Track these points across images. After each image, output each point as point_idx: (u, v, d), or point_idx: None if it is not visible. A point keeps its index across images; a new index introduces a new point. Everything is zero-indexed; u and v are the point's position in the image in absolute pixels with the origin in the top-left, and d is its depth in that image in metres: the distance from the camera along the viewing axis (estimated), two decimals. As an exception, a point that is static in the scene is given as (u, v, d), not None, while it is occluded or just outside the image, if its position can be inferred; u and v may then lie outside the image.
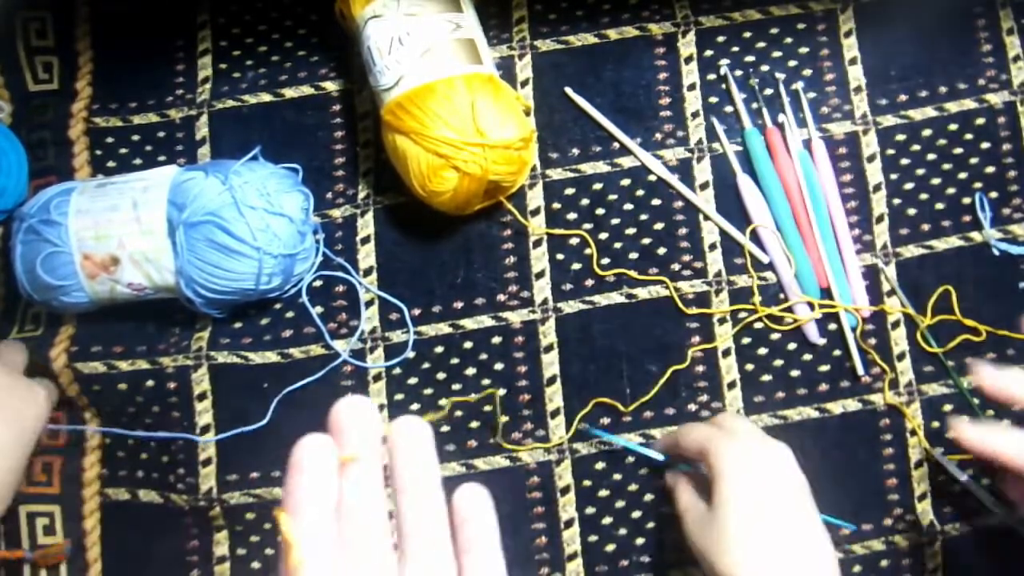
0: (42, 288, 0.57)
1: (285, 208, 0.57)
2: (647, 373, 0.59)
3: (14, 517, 0.60)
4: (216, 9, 0.66)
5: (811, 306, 0.59)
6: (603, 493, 0.58)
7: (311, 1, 0.65)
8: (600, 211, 0.61)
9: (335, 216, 0.62)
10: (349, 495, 0.29)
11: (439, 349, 0.60)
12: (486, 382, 0.59)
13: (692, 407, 0.58)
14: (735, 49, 0.63)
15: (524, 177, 0.61)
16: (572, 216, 0.61)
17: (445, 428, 0.59)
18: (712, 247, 0.60)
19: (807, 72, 0.62)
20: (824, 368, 0.59)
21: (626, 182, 0.61)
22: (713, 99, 0.62)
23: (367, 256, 0.62)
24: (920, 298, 0.59)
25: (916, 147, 0.61)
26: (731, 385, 0.59)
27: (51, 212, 0.56)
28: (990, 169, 0.60)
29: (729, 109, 0.62)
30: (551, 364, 0.59)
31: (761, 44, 0.63)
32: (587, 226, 0.61)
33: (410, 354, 0.60)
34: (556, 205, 0.61)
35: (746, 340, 0.59)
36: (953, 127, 0.61)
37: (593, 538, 0.58)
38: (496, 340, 0.60)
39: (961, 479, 0.56)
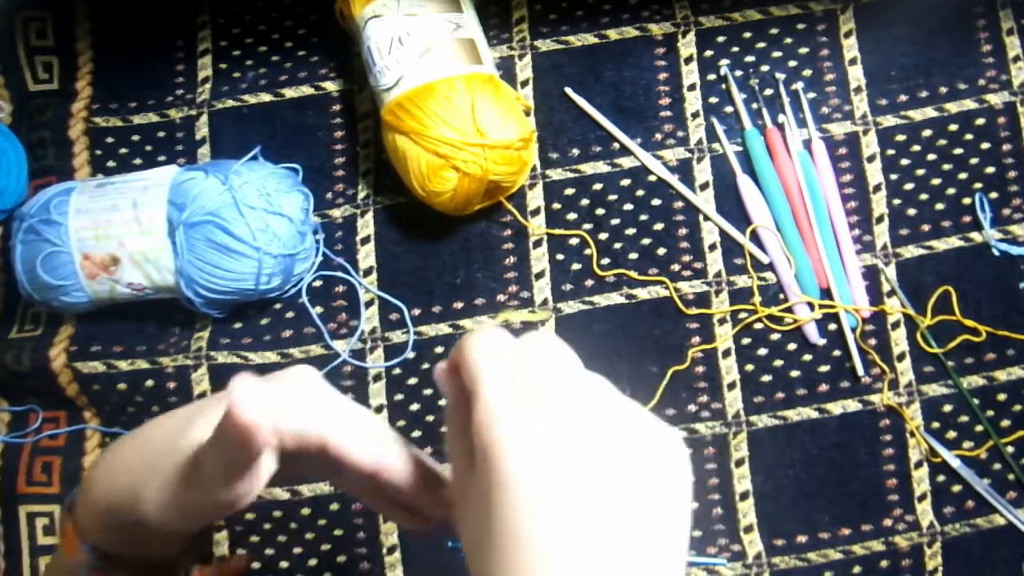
0: (42, 288, 0.57)
1: (285, 208, 0.57)
2: (647, 374, 0.59)
3: (14, 517, 0.60)
4: (216, 9, 0.66)
5: (811, 306, 0.59)
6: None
7: (311, 1, 0.65)
8: (600, 211, 0.61)
9: (335, 216, 0.62)
10: None
11: (439, 349, 0.60)
12: (486, 382, 0.59)
13: (692, 407, 0.58)
14: (735, 49, 0.63)
15: (524, 177, 0.61)
16: (572, 216, 0.61)
17: (444, 429, 0.59)
18: (712, 247, 0.60)
19: (807, 72, 0.62)
20: (824, 368, 0.59)
21: (626, 182, 0.61)
22: (713, 99, 0.62)
23: (367, 256, 0.62)
24: (920, 298, 0.59)
25: (916, 147, 0.61)
26: (731, 386, 0.59)
27: (51, 212, 0.56)
28: (990, 169, 0.60)
29: (729, 109, 0.62)
30: (551, 364, 0.59)
31: (761, 44, 0.63)
32: (587, 226, 0.61)
33: (410, 354, 0.60)
34: (556, 205, 0.61)
35: (746, 340, 0.59)
36: (953, 127, 0.61)
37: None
38: (496, 340, 0.60)
39: (961, 471, 0.56)
